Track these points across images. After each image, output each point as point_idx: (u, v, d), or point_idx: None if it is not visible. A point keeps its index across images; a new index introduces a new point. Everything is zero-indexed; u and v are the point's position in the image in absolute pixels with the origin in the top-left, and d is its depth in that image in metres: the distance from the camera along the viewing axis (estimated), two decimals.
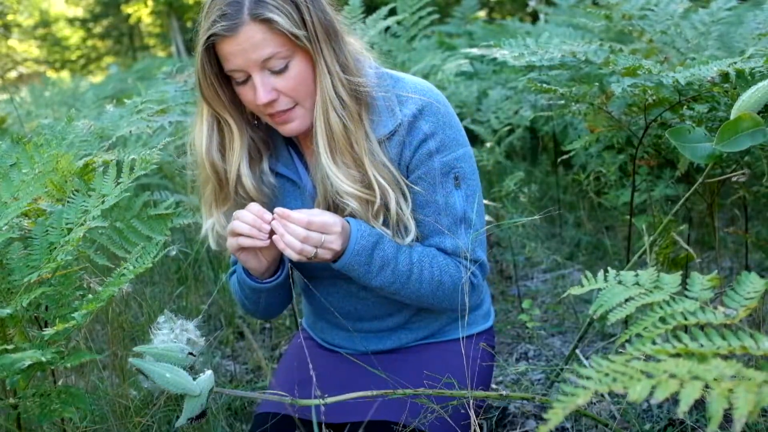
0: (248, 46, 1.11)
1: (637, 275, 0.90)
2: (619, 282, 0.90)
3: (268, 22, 1.10)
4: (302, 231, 1.12)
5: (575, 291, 0.90)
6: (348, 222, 1.18)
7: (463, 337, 1.34)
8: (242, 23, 1.10)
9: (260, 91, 1.14)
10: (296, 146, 1.32)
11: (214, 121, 1.24)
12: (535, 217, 1.36)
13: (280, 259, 1.28)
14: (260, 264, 1.23)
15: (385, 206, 1.21)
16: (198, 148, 1.25)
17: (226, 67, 1.16)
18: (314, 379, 1.11)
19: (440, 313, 1.37)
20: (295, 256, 1.13)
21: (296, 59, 1.15)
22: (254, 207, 1.17)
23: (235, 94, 1.22)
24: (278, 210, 1.14)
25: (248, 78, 1.16)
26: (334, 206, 1.23)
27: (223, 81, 1.20)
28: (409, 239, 1.23)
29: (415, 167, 1.23)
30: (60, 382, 1.42)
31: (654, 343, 0.72)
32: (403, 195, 1.22)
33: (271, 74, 1.15)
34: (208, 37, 1.12)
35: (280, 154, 1.31)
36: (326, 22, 1.16)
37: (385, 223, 1.22)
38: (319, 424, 1.24)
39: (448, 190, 1.23)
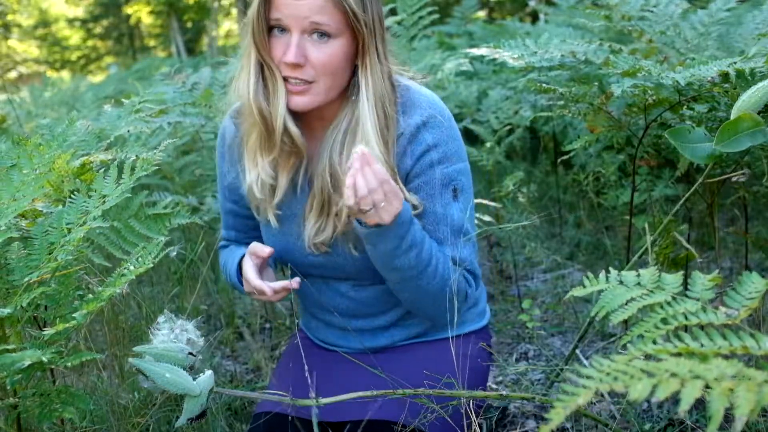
0: (305, 4, 1.12)
1: (638, 275, 0.90)
2: (621, 282, 0.90)
3: None
4: (375, 183, 1.08)
5: (577, 292, 0.90)
6: None
7: (457, 336, 1.35)
8: None
9: (292, 50, 1.15)
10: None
11: (259, 68, 1.23)
12: (535, 219, 1.36)
13: None
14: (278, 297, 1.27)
15: None
16: (244, 94, 1.25)
17: (273, 15, 1.16)
18: (309, 380, 1.12)
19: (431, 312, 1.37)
20: (352, 200, 1.09)
21: (340, 39, 1.16)
22: (254, 282, 1.24)
23: None
24: (362, 149, 1.09)
25: (286, 33, 1.17)
26: (328, 203, 1.24)
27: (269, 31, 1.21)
28: None
29: (415, 176, 1.23)
30: (58, 382, 1.42)
31: (655, 342, 0.72)
32: None
33: (309, 40, 1.16)
34: None
35: None
36: (381, 19, 1.20)
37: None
38: (320, 424, 1.24)
39: (446, 201, 1.24)
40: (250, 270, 1.27)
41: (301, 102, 1.20)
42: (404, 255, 1.17)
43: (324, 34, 1.15)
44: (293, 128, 1.23)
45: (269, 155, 1.27)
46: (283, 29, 1.17)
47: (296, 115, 1.25)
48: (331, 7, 1.13)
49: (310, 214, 1.27)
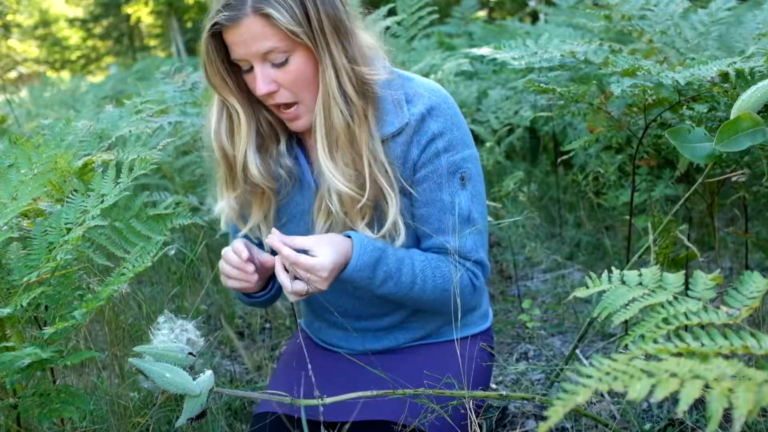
0: (248, 37, 1.12)
1: (640, 275, 0.90)
2: (623, 282, 0.89)
3: (267, 16, 1.11)
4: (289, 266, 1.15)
5: (580, 293, 0.89)
6: (350, 237, 1.19)
7: (458, 339, 1.34)
8: (244, 15, 1.11)
9: (259, 82, 1.16)
10: (300, 140, 1.32)
11: (223, 106, 1.24)
12: (533, 217, 1.36)
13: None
14: (252, 287, 1.25)
15: (378, 207, 1.22)
16: (209, 128, 1.27)
17: (231, 55, 1.17)
18: (313, 380, 1.11)
19: (437, 314, 1.37)
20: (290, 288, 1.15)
21: (297, 54, 1.15)
22: (238, 251, 1.20)
23: (242, 80, 1.23)
24: (272, 240, 1.14)
25: (252, 67, 1.17)
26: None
27: (229, 67, 1.21)
28: (398, 243, 1.23)
29: (422, 165, 1.23)
30: (58, 382, 1.42)
31: (656, 342, 0.72)
32: (400, 196, 1.22)
33: (272, 66, 1.16)
34: (212, 25, 1.14)
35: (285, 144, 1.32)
36: (335, 17, 1.16)
37: (370, 224, 1.22)
38: (318, 424, 1.24)
39: (453, 190, 1.23)
40: (239, 243, 1.23)
41: (300, 125, 1.23)
42: (382, 286, 1.21)
43: (281, 54, 1.15)
44: (254, 170, 1.24)
45: (234, 192, 1.28)
46: (249, 66, 1.18)
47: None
48: (270, 31, 1.12)
49: (318, 217, 1.27)
